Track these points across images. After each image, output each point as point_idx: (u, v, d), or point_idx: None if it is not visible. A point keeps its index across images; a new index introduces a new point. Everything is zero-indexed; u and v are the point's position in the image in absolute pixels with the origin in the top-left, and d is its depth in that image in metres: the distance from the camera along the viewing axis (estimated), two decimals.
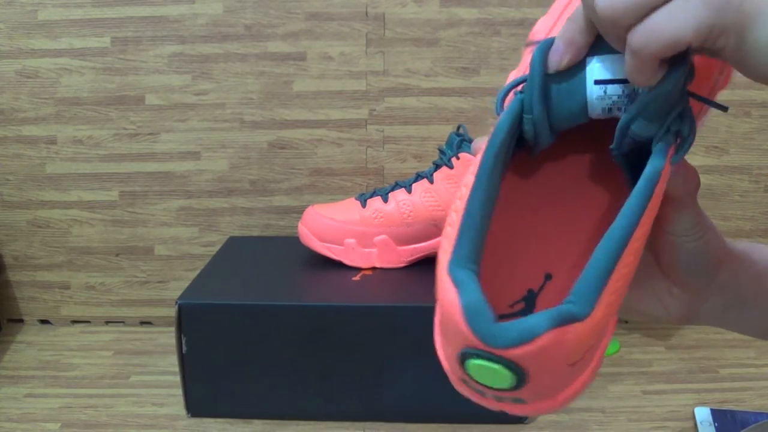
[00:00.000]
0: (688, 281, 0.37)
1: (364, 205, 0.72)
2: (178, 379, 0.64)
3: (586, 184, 0.35)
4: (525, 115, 0.31)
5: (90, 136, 0.84)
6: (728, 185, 0.84)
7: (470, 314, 0.24)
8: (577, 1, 0.35)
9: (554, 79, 0.31)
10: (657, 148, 0.29)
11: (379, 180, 0.85)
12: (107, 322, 0.88)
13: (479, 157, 0.30)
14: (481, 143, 0.34)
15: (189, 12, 0.81)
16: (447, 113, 0.83)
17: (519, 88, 0.32)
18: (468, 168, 0.34)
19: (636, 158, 0.31)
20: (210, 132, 0.83)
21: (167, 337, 0.82)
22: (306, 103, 0.83)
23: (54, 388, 0.71)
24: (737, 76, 0.28)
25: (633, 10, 0.26)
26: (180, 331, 0.63)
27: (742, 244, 0.39)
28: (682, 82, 0.28)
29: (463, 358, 0.25)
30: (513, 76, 0.36)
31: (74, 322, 0.89)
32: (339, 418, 0.64)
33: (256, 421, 0.65)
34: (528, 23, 0.35)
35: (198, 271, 0.71)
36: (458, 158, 0.70)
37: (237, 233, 0.86)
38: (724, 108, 0.31)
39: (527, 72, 0.32)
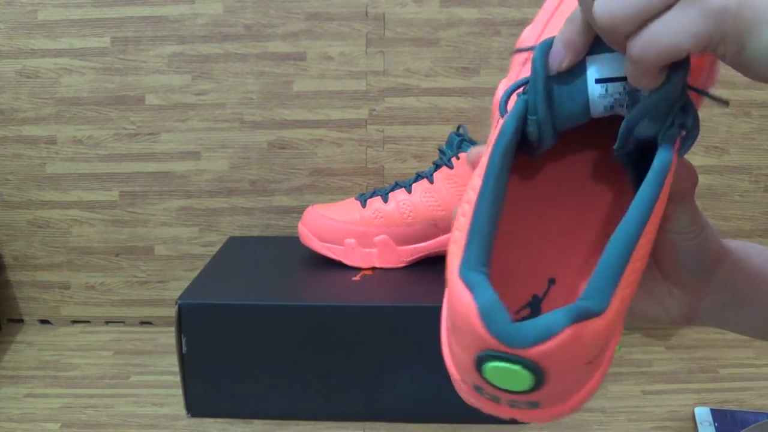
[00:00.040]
0: (688, 281, 0.38)
1: (364, 205, 0.72)
2: (178, 379, 0.64)
3: (587, 184, 0.35)
4: (529, 117, 0.31)
5: (90, 136, 0.84)
6: (728, 185, 0.84)
7: (486, 315, 0.24)
8: (562, 9, 0.35)
9: (555, 80, 0.31)
10: (663, 141, 0.29)
11: (379, 180, 0.85)
12: (107, 322, 0.88)
13: (485, 159, 0.30)
14: (477, 152, 0.34)
15: (189, 12, 0.81)
16: (447, 113, 0.83)
17: (520, 90, 0.32)
18: (469, 169, 0.34)
19: (639, 156, 0.31)
20: (210, 132, 0.83)
21: (167, 337, 0.82)
22: (306, 103, 0.83)
23: (54, 388, 0.71)
24: (737, 76, 0.28)
25: (631, 19, 0.26)
26: (180, 331, 0.63)
27: (734, 243, 0.39)
28: (683, 82, 0.28)
29: (480, 362, 0.24)
30: (503, 84, 0.36)
31: (74, 322, 0.89)
32: (339, 418, 0.64)
33: (256, 421, 0.65)
34: (528, 23, 0.35)
35: (198, 271, 0.71)
36: (458, 158, 0.70)
37: (237, 233, 0.86)
38: (724, 102, 0.31)
39: (517, 79, 0.32)
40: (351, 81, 0.82)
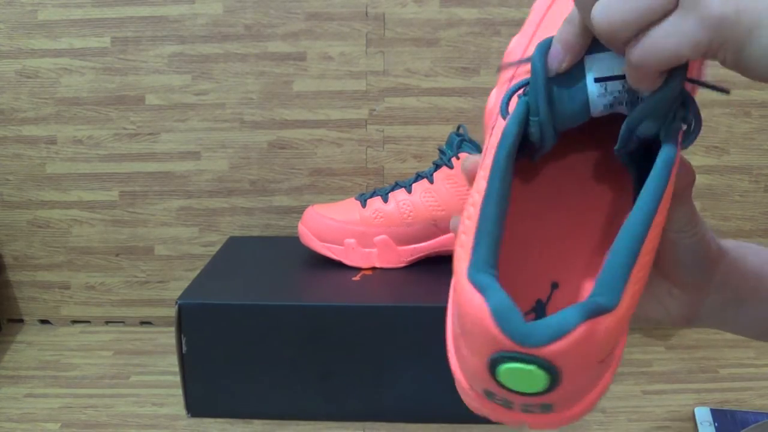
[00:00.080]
0: (687, 280, 0.38)
1: (364, 205, 0.72)
2: (178, 379, 0.64)
3: (586, 185, 0.35)
4: (531, 118, 0.31)
5: (90, 136, 0.84)
6: (728, 185, 0.84)
7: (499, 316, 0.23)
8: (549, 20, 0.35)
9: (554, 81, 0.31)
10: (666, 136, 0.29)
11: (379, 180, 0.85)
12: (107, 322, 0.88)
13: (489, 161, 0.30)
14: (472, 162, 0.34)
15: (189, 12, 0.81)
16: (447, 113, 0.83)
17: (520, 91, 0.32)
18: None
19: (640, 154, 0.31)
20: (210, 132, 0.83)
21: (167, 337, 0.82)
22: (306, 103, 0.83)
23: (54, 388, 0.71)
24: (737, 76, 0.28)
25: (630, 26, 0.26)
26: (180, 331, 0.63)
27: (731, 242, 0.39)
28: (683, 82, 0.28)
29: (494, 364, 0.24)
30: (495, 94, 0.36)
31: (74, 322, 0.89)
32: (339, 418, 0.64)
33: (256, 421, 0.65)
34: None
35: (198, 271, 0.71)
36: (458, 158, 0.70)
37: (237, 233, 0.86)
38: (725, 90, 0.31)
39: (510, 85, 0.32)
40: (351, 81, 0.82)
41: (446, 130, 0.81)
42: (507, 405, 0.26)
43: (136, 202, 0.85)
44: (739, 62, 0.26)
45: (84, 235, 0.86)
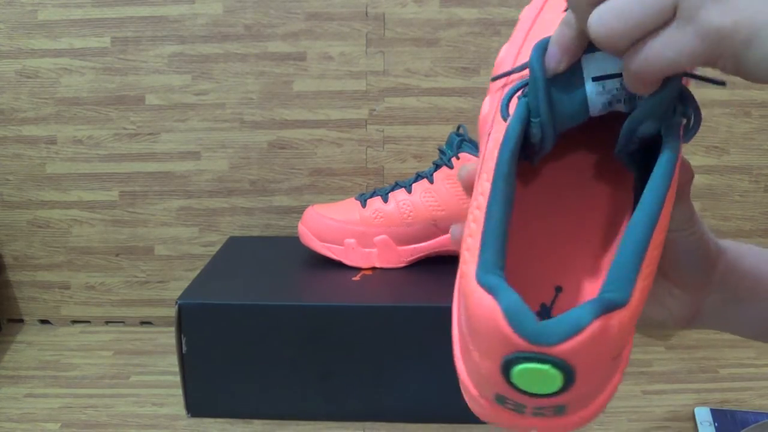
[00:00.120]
0: (688, 279, 0.38)
1: (364, 205, 0.72)
2: (178, 379, 0.64)
3: (586, 186, 0.35)
4: (532, 119, 0.31)
5: (90, 136, 0.84)
6: (728, 185, 0.84)
7: (512, 316, 0.23)
8: (537, 28, 0.35)
9: (552, 81, 0.31)
10: (668, 132, 0.29)
11: (379, 180, 0.85)
12: (107, 322, 0.88)
13: (492, 164, 0.30)
14: (468, 171, 0.34)
15: (189, 12, 0.81)
16: (447, 113, 0.83)
17: (519, 93, 0.32)
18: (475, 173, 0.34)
19: (639, 152, 0.31)
20: (210, 132, 0.83)
21: (167, 337, 0.82)
22: (306, 103, 0.83)
23: (54, 388, 0.71)
24: (738, 77, 0.28)
25: (627, 36, 0.26)
26: (180, 331, 0.63)
27: (728, 242, 0.40)
28: (680, 84, 0.29)
29: (507, 366, 0.24)
30: (488, 102, 0.36)
31: (74, 322, 0.89)
32: (339, 418, 0.64)
33: (256, 421, 0.65)
34: None
35: (198, 271, 0.71)
36: (458, 158, 0.70)
37: (237, 233, 0.86)
38: (721, 82, 0.31)
39: (504, 91, 0.32)
40: (351, 81, 0.82)
41: (446, 130, 0.81)
42: (519, 410, 0.26)
43: (136, 202, 0.85)
44: (739, 69, 0.26)
45: (84, 235, 0.86)
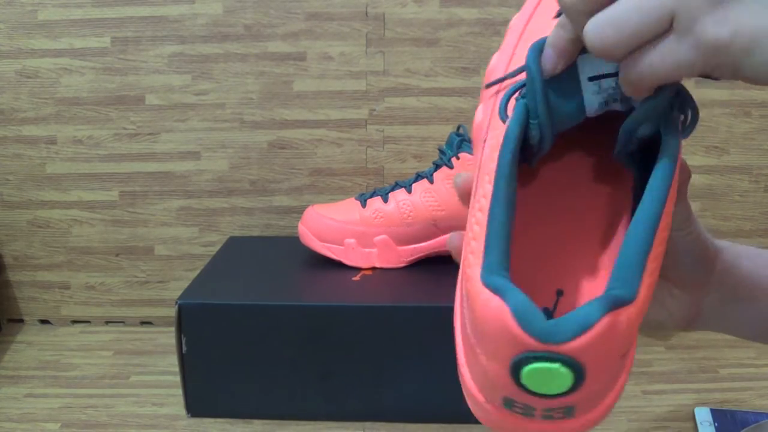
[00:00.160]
0: (687, 279, 0.38)
1: (364, 205, 0.72)
2: (178, 379, 0.64)
3: (583, 187, 0.35)
4: (531, 121, 0.31)
5: (90, 136, 0.84)
6: (728, 185, 0.84)
7: (521, 316, 0.23)
8: (527, 37, 0.35)
9: (549, 82, 0.31)
10: (667, 128, 0.29)
11: (379, 180, 0.85)
12: (107, 322, 0.88)
13: (493, 165, 0.30)
14: (465, 179, 0.34)
15: (189, 12, 0.81)
16: (447, 113, 0.83)
17: (516, 94, 0.32)
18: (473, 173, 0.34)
19: (638, 151, 0.31)
20: (210, 132, 0.83)
21: (167, 337, 0.82)
22: (306, 103, 0.83)
23: (54, 388, 0.71)
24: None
25: (623, 47, 0.26)
26: (180, 331, 0.63)
27: (724, 243, 0.40)
28: (677, 86, 0.29)
29: (517, 367, 0.24)
30: (480, 110, 0.36)
31: (74, 322, 0.89)
32: (339, 418, 0.64)
33: (256, 421, 0.65)
34: None
35: (198, 271, 0.71)
36: (458, 158, 0.70)
37: (237, 233, 0.86)
38: (716, 78, 0.31)
39: (498, 98, 0.32)
40: (351, 81, 0.82)
41: (446, 130, 0.81)
42: (528, 413, 0.25)
43: (136, 202, 0.85)
44: (737, 76, 0.26)
45: (84, 235, 0.86)
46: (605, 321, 0.23)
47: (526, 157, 0.32)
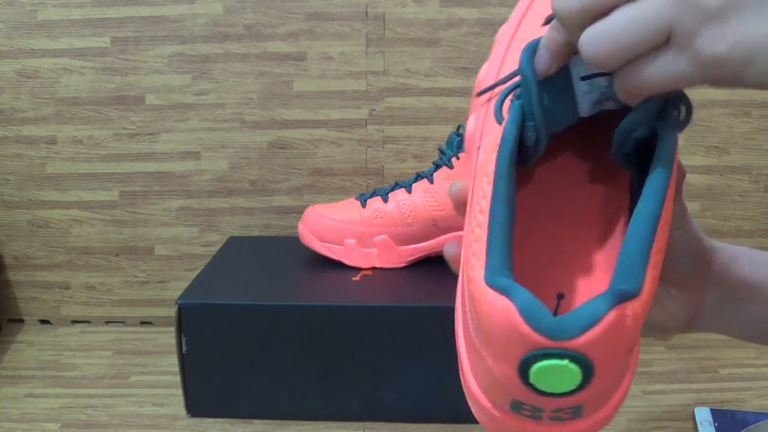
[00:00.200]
0: (685, 279, 0.38)
1: (364, 205, 0.72)
2: (178, 379, 0.64)
3: (579, 188, 0.35)
4: (527, 123, 0.31)
5: (90, 136, 0.84)
6: (728, 185, 0.84)
7: (528, 314, 0.23)
8: (516, 47, 0.35)
9: (542, 83, 0.31)
10: (662, 126, 0.29)
11: (379, 180, 0.85)
12: (107, 322, 0.88)
13: (491, 167, 0.30)
14: (459, 188, 0.34)
15: (189, 12, 0.81)
16: (447, 113, 0.83)
17: (511, 95, 0.32)
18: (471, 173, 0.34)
19: (634, 151, 0.31)
20: (210, 132, 0.83)
21: (167, 337, 0.82)
22: (306, 103, 0.83)
23: (54, 388, 0.71)
24: None
25: (619, 59, 0.26)
26: (180, 331, 0.63)
27: (720, 243, 0.40)
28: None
29: (525, 367, 0.24)
30: (473, 119, 0.36)
31: (74, 322, 0.89)
32: (339, 418, 0.64)
33: (256, 421, 0.65)
34: None
35: (198, 271, 0.71)
36: (458, 158, 0.70)
37: (237, 233, 0.86)
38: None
39: (491, 105, 0.32)
40: (351, 81, 0.82)
41: (446, 130, 0.81)
42: (536, 415, 0.25)
43: (136, 202, 0.85)
44: (736, 85, 0.26)
45: (84, 235, 0.86)
46: (612, 315, 0.23)
47: (521, 159, 0.32)
